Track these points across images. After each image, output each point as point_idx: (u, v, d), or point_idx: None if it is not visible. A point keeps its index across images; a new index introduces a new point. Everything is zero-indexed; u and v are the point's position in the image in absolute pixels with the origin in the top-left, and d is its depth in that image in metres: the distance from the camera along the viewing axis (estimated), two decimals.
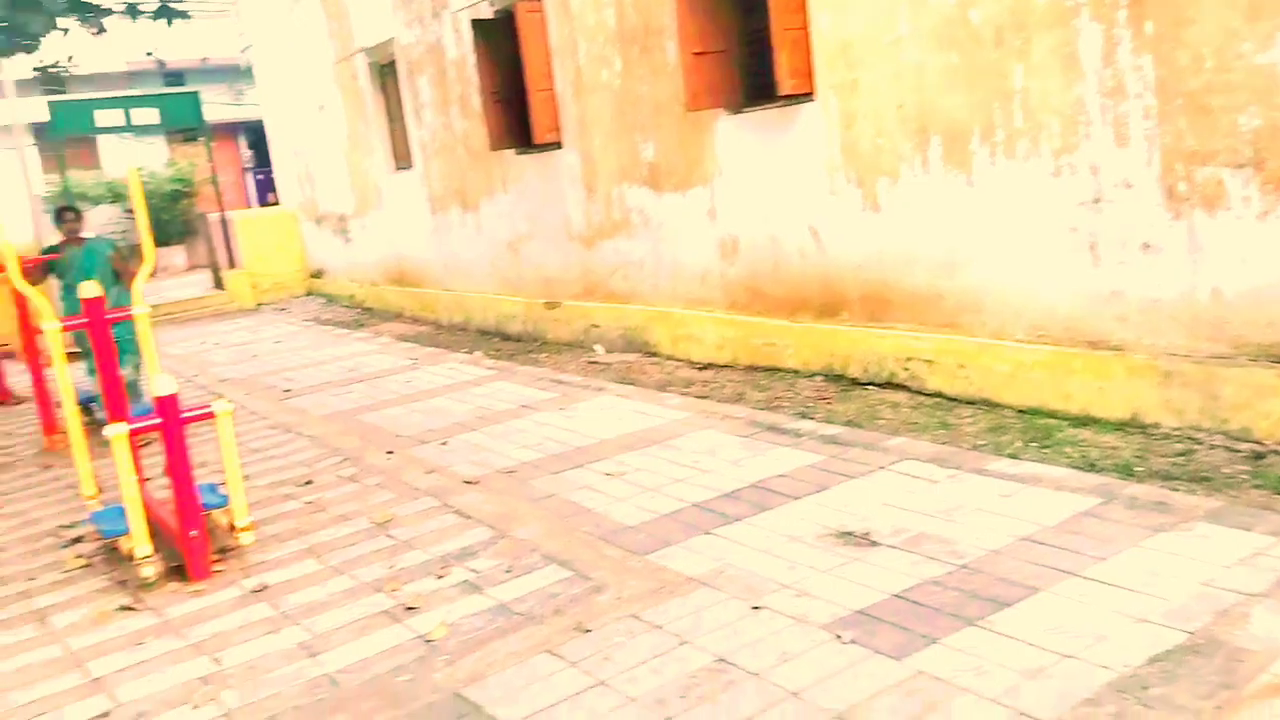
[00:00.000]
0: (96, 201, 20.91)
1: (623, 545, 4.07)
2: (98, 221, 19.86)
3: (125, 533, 4.38)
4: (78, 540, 4.94)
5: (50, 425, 7.11)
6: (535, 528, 4.39)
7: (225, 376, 9.26)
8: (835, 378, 6.38)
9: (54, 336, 4.79)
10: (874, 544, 3.79)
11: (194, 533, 4.14)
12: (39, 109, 15.22)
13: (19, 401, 9.03)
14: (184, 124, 15.58)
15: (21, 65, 9.71)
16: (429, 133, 11.01)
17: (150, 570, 4.09)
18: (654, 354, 8.08)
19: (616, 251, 8.48)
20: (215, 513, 4.57)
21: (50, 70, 9.24)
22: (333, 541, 4.51)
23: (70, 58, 9.32)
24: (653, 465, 5.06)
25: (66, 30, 8.51)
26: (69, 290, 7.16)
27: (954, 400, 5.64)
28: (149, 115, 14.25)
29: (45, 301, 4.86)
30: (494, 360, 8.62)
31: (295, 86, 14.50)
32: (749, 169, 6.88)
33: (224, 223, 15.16)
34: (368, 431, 6.50)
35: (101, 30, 8.27)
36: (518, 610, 3.58)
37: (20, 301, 9.32)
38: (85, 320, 4.93)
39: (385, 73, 12.07)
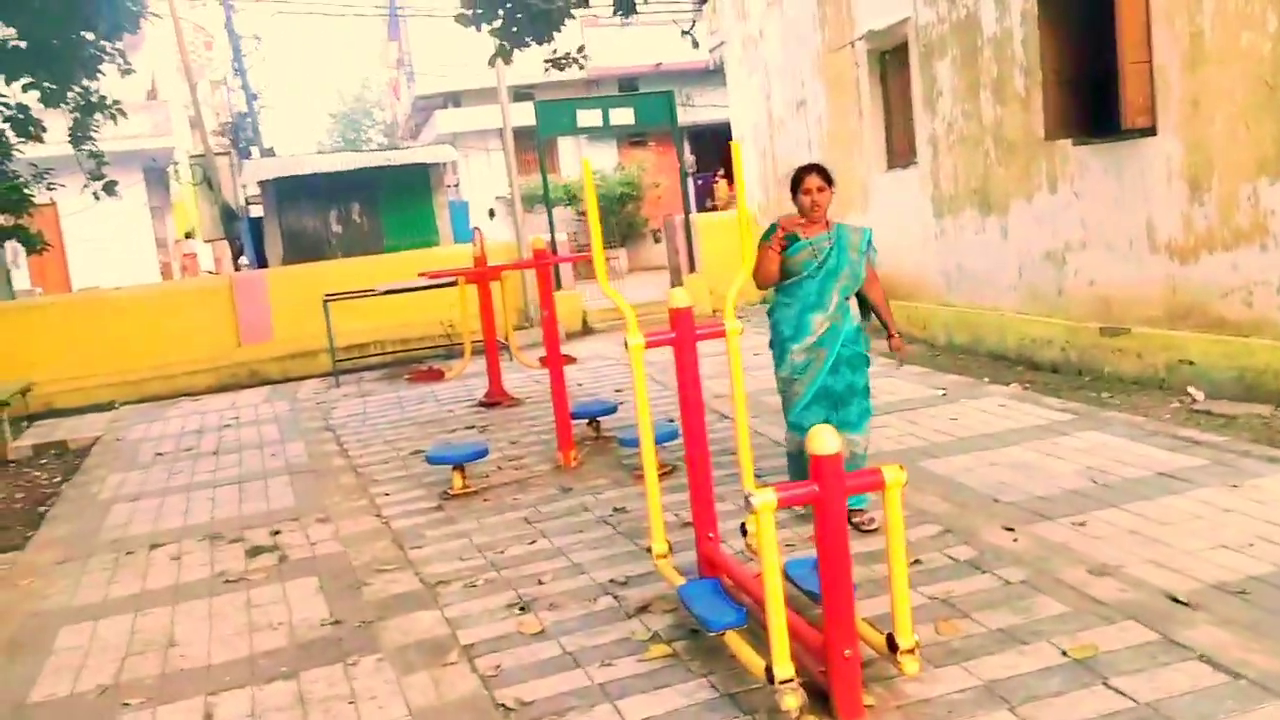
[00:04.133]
0: (553, 203, 21.68)
1: None
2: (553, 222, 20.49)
3: (731, 626, 3.27)
4: (644, 609, 3.97)
5: (566, 440, 6.42)
6: None
7: (718, 392, 8.34)
8: None
9: (637, 353, 3.86)
10: None
11: (848, 652, 2.92)
12: (523, 113, 15.71)
13: (515, 403, 8.71)
14: (656, 124, 15.37)
15: (526, 63, 9.46)
16: (944, 124, 9.50)
17: (793, 703, 2.90)
18: None
19: (1235, 268, 6.45)
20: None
21: (561, 61, 8.80)
22: (1020, 680, 3.09)
23: (581, 48, 8.84)
24: None
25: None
26: (794, 292, 4.83)
27: None
28: (625, 115, 14.03)
29: (631, 312, 3.93)
30: (1051, 397, 6.91)
31: (769, 84, 13.63)
32: None
33: (687, 226, 14.67)
34: (949, 489, 5.09)
35: (632, 11, 7.61)
36: None
37: (485, 294, 8.96)
38: (671, 337, 3.97)
39: (887, 61, 10.73)
